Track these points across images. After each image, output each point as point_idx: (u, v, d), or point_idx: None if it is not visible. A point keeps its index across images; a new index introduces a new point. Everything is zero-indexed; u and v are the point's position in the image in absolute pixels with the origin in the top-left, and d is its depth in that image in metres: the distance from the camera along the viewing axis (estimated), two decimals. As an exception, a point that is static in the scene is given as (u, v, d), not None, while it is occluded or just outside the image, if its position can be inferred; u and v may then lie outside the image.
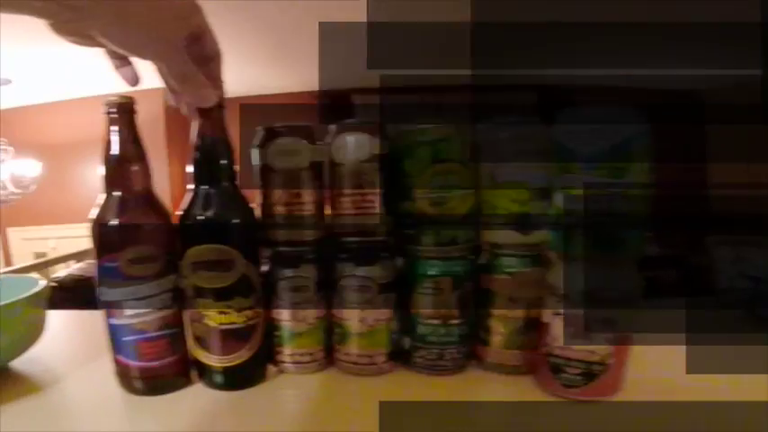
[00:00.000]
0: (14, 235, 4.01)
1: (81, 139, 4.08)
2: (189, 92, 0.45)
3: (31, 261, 3.57)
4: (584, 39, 3.27)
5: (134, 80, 0.47)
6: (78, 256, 3.01)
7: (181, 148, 4.29)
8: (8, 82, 3.23)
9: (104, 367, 0.52)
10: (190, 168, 0.49)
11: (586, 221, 0.43)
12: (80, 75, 3.38)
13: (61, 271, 2.59)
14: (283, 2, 2.46)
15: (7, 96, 3.49)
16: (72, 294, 2.21)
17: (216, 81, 0.47)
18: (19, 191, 3.33)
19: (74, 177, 4.14)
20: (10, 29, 2.39)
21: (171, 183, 4.14)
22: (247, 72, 3.90)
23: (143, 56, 0.40)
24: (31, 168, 3.44)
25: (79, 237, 3.90)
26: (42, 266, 2.78)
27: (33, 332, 0.59)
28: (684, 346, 0.55)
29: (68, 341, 0.71)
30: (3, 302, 0.53)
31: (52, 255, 3.82)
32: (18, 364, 0.59)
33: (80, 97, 3.91)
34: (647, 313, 0.45)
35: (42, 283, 0.61)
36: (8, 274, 0.83)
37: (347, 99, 4.59)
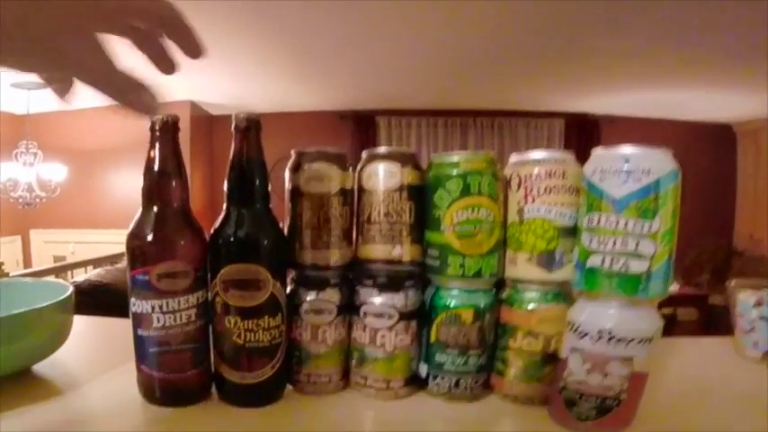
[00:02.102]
0: (36, 237, 4.10)
1: (107, 146, 4.19)
2: (121, 101, 0.37)
3: (49, 264, 3.64)
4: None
5: (64, 94, 0.40)
6: (96, 262, 3.06)
7: (205, 161, 4.36)
8: (42, 86, 3.33)
9: (125, 375, 0.53)
10: (225, 187, 0.51)
11: (611, 262, 0.44)
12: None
13: (79, 276, 2.63)
14: (311, 21, 2.50)
15: (40, 101, 3.60)
16: (90, 300, 2.24)
17: (169, 59, 0.39)
18: (44, 194, 3.40)
19: (98, 183, 4.24)
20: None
21: (193, 195, 4.20)
22: (273, 90, 3.97)
23: (43, 69, 0.34)
24: (57, 173, 3.53)
25: (98, 242, 3.99)
26: (60, 270, 2.83)
27: (59, 337, 0.60)
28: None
29: (89, 347, 0.72)
30: (33, 307, 0.54)
31: (71, 259, 3.90)
32: (40, 367, 0.60)
33: (109, 104, 4.02)
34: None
35: (71, 289, 0.63)
36: (32, 278, 0.85)
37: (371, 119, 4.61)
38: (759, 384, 0.61)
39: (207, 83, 3.61)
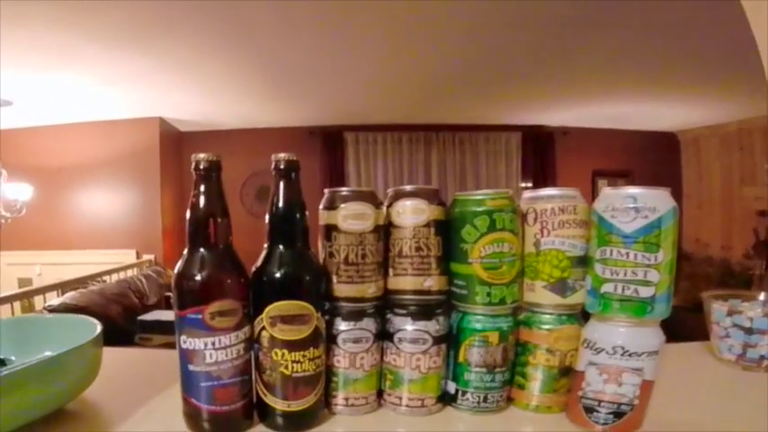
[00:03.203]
0: (1, 259, 3.95)
1: (74, 164, 4.09)
2: None
3: (14, 286, 3.52)
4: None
5: None
6: (66, 285, 2.98)
7: (174, 178, 4.31)
8: (9, 104, 3.25)
9: (161, 408, 0.56)
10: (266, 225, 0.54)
11: (623, 289, 0.50)
12: (78, 101, 3.42)
13: (54, 300, 2.57)
14: (282, 38, 2.54)
15: (6, 118, 3.50)
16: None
17: None
18: (9, 214, 3.30)
19: (65, 203, 4.13)
20: (12, 51, 2.44)
21: (163, 213, 4.15)
22: (243, 107, 3.97)
23: None
24: (22, 192, 3.42)
25: (66, 263, 3.88)
26: (30, 295, 2.75)
27: (91, 374, 0.62)
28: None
29: (112, 380, 0.73)
30: (72, 346, 0.55)
31: (37, 281, 3.77)
32: (71, 405, 0.61)
33: (76, 122, 3.94)
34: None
35: (99, 325, 0.64)
36: (54, 313, 0.86)
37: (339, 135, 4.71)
38: (736, 383, 0.72)
39: (176, 99, 3.59)
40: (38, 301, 2.74)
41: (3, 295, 2.53)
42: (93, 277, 3.31)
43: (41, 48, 2.46)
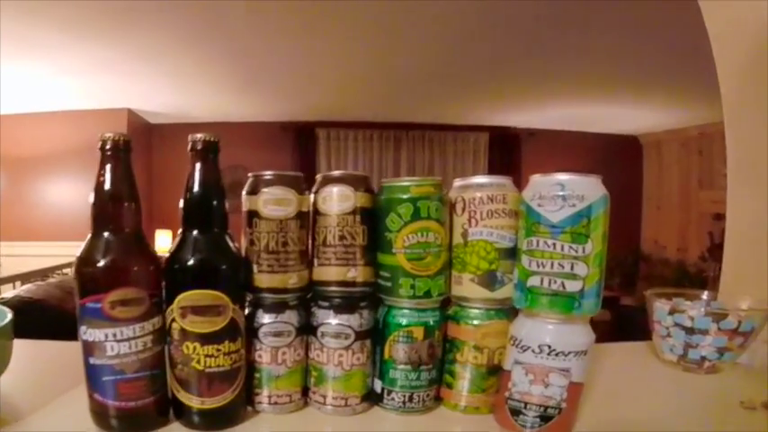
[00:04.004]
0: (-39, 249, 3.81)
1: (40, 153, 3.98)
2: None
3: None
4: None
5: None
6: (26, 277, 2.88)
7: (143, 170, 4.21)
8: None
9: (72, 403, 0.52)
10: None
11: (549, 282, 0.48)
12: (44, 90, 3.32)
13: (7, 292, 2.47)
14: (255, 31, 2.50)
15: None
16: (20, 317, 2.11)
17: None
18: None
19: (30, 193, 4.01)
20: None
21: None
22: (215, 99, 3.90)
23: None
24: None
25: (28, 255, 3.76)
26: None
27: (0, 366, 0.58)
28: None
29: (29, 373, 0.69)
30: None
31: (-1, 273, 3.64)
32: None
33: (42, 112, 3.82)
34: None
35: (10, 314, 0.60)
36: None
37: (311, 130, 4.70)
38: (676, 383, 0.70)
39: (145, 90, 3.51)
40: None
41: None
42: (53, 270, 3.20)
43: (6, 36, 2.38)
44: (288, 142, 4.62)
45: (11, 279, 2.78)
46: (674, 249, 4.74)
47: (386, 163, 4.83)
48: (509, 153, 4.88)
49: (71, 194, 4.03)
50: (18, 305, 2.25)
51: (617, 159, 4.90)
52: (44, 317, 2.10)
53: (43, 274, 3.07)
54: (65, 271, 3.33)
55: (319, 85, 3.54)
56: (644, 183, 5.12)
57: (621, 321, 3.44)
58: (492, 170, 4.85)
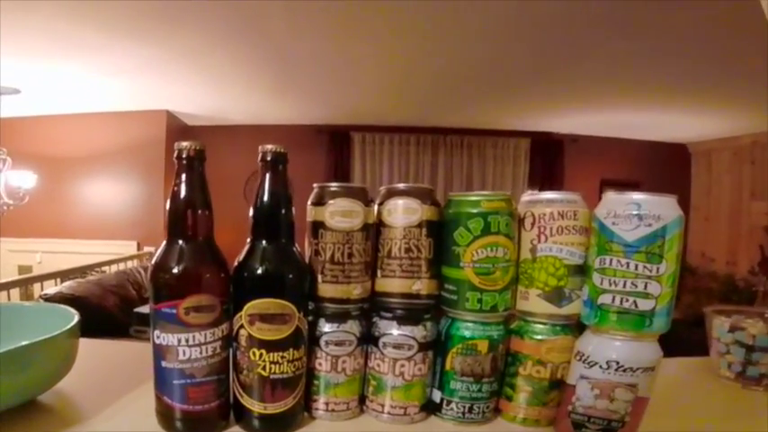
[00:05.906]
0: (1, 245, 3.96)
1: (78, 154, 4.10)
2: None
3: (14, 273, 3.52)
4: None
5: None
6: (66, 274, 2.97)
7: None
8: (17, 92, 3.25)
9: (134, 404, 0.54)
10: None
11: (621, 301, 0.47)
12: (85, 91, 3.42)
13: (51, 288, 2.56)
14: (293, 33, 2.52)
15: (13, 106, 3.51)
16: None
17: None
18: (12, 201, 3.29)
19: (68, 192, 4.13)
20: (20, 39, 2.43)
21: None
22: (251, 102, 3.95)
23: None
24: (26, 180, 3.42)
25: (66, 252, 3.88)
26: (28, 282, 2.74)
27: (66, 366, 0.60)
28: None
29: (91, 373, 0.71)
30: (43, 337, 0.53)
31: (37, 269, 3.78)
32: (44, 397, 0.59)
33: (83, 112, 3.94)
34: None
35: (77, 316, 0.62)
36: (31, 302, 0.84)
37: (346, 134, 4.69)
38: (735, 400, 0.69)
39: (184, 92, 3.58)
40: (36, 289, 2.73)
41: (0, 282, 2.52)
42: (92, 267, 3.30)
43: (49, 36, 2.44)
44: (322, 146, 4.62)
45: (52, 276, 2.87)
46: (722, 262, 4.56)
47: (422, 168, 4.73)
48: (551, 159, 4.73)
49: (108, 194, 4.15)
50: (60, 302, 2.33)
51: (664, 168, 4.75)
52: (85, 314, 2.17)
53: (82, 271, 3.17)
54: (103, 269, 3.43)
55: (356, 88, 3.53)
56: (692, 192, 4.91)
57: (667, 335, 3.35)
58: (533, 176, 4.74)
